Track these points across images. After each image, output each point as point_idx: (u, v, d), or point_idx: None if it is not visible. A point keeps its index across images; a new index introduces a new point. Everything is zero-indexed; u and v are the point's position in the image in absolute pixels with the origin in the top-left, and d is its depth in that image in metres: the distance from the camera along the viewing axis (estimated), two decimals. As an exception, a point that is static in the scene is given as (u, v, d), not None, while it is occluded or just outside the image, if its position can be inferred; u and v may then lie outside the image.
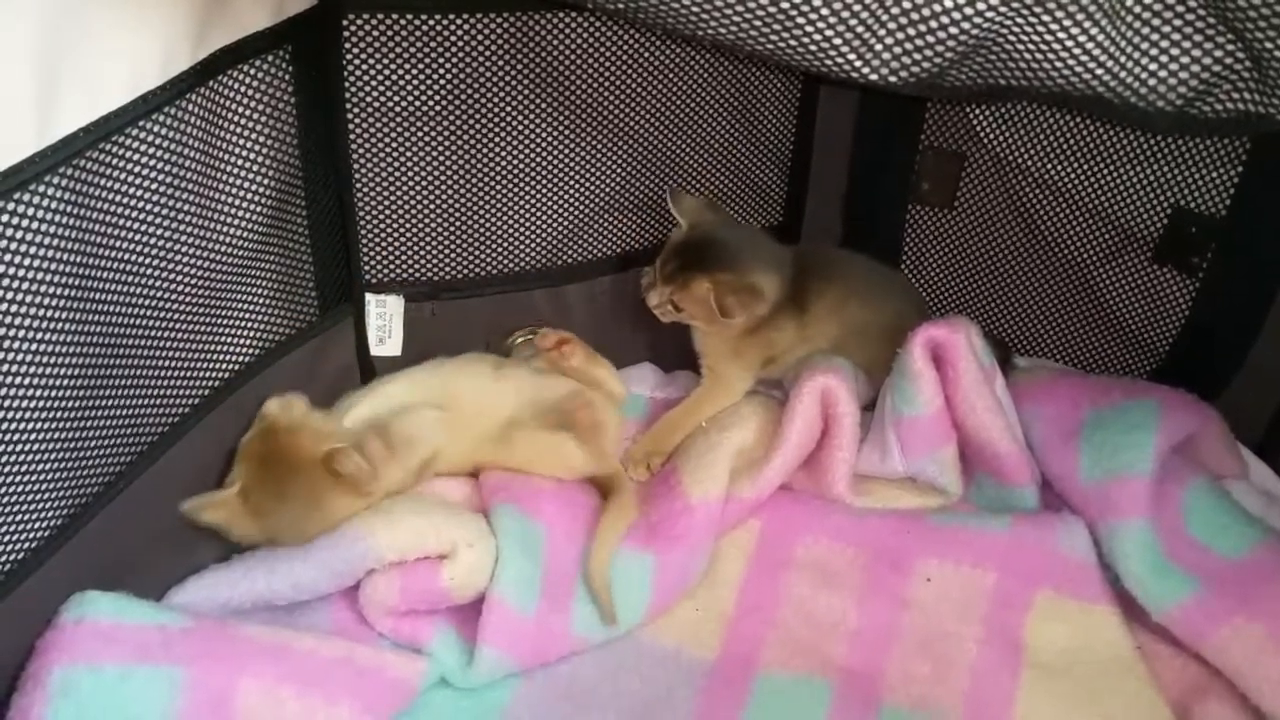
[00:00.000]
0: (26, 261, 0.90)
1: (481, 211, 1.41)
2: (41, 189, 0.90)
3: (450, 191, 1.39)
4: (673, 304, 1.35)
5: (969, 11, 0.92)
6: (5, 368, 0.91)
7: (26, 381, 0.93)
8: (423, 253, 1.42)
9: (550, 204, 1.44)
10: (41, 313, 0.93)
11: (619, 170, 1.46)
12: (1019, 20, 0.92)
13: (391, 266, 1.41)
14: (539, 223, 1.45)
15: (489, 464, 1.33)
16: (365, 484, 1.18)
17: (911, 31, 0.94)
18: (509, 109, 1.36)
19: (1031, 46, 0.94)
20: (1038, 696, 1.18)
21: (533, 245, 1.47)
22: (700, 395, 1.44)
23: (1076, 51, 0.93)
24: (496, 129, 1.36)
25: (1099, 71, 0.94)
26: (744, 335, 1.39)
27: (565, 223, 1.47)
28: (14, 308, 0.90)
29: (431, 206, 1.39)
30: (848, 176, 1.59)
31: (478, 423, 1.32)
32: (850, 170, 1.58)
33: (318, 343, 1.33)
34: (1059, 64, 0.95)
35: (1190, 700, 1.16)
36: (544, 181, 1.42)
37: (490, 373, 1.37)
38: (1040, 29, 0.92)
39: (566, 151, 1.42)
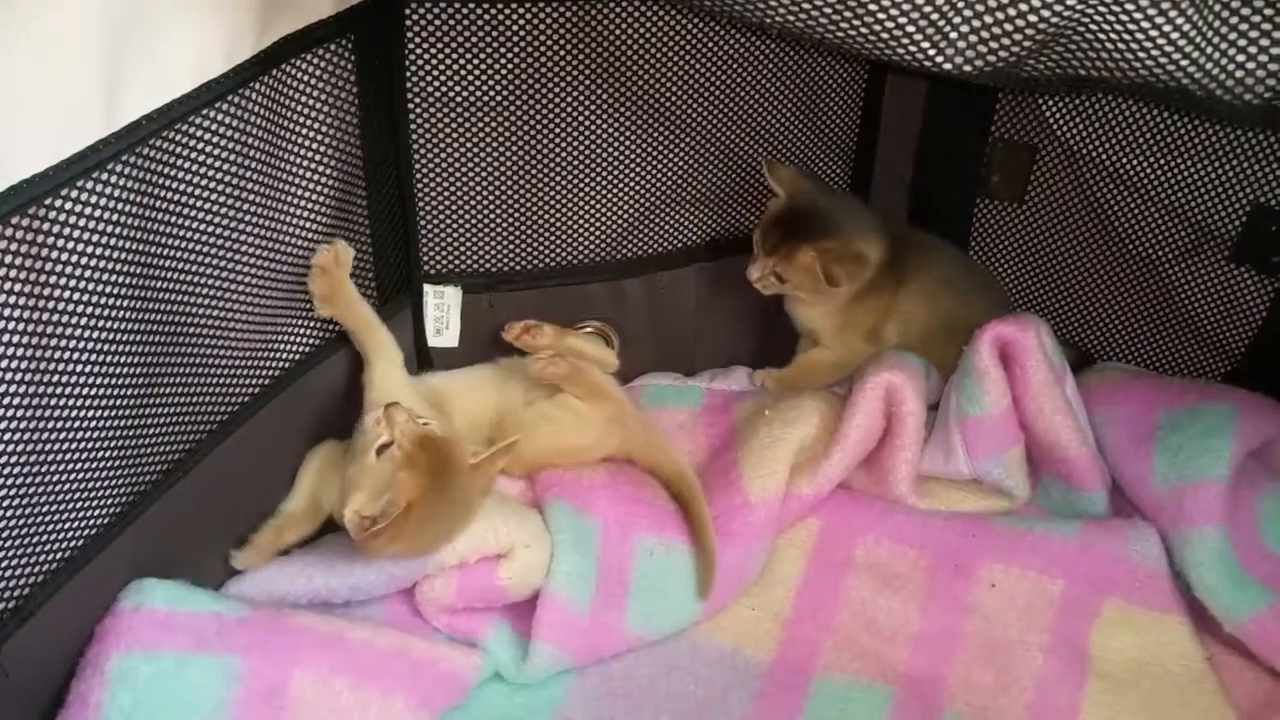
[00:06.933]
0: (90, 248, 0.90)
1: (541, 203, 1.41)
2: (106, 176, 0.90)
3: (510, 183, 1.38)
4: (776, 276, 1.34)
5: (1049, -1, 0.89)
6: (67, 354, 0.91)
7: (88, 368, 0.94)
8: (481, 244, 1.41)
9: (610, 197, 1.43)
10: (104, 299, 0.93)
11: (680, 163, 1.44)
12: (1102, 8, 0.89)
13: (450, 258, 1.41)
14: (598, 216, 1.44)
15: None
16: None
17: (989, 19, 0.92)
18: (570, 100, 1.34)
19: (1114, 36, 0.91)
20: (1103, 708, 1.16)
21: (592, 238, 1.46)
22: (822, 353, 1.45)
23: (1161, 42, 0.90)
24: (557, 120, 1.35)
25: (1184, 63, 0.91)
26: (851, 303, 1.38)
27: (625, 216, 1.45)
28: (77, 294, 0.91)
29: (491, 198, 1.38)
30: (914, 168, 1.56)
31: (479, 414, 1.32)
32: (916, 162, 1.56)
33: (376, 333, 1.33)
34: (1143, 54, 0.92)
35: (1262, 715, 1.13)
36: (604, 174, 1.41)
37: (489, 370, 1.37)
38: (1124, 18, 0.89)
39: (627, 143, 1.40)
